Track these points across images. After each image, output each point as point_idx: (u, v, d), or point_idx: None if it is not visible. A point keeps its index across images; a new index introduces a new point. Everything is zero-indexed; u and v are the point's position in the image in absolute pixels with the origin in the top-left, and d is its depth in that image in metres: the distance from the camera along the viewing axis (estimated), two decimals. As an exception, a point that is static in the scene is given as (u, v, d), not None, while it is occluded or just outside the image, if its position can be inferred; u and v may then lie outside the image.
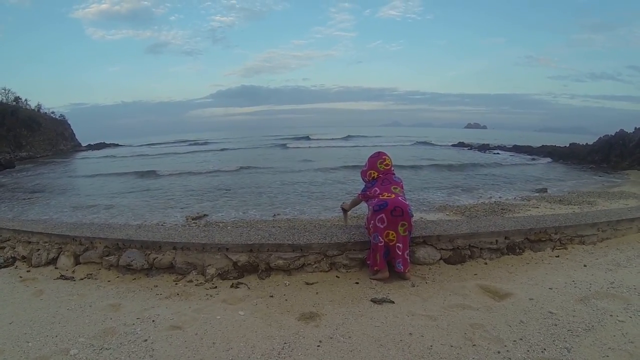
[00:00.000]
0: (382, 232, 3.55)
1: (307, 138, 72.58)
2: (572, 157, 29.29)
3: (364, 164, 4.16)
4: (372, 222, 3.61)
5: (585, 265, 3.63)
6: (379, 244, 3.54)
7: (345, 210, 4.67)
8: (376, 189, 3.83)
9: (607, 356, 2.12)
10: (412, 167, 25.77)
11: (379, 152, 4.12)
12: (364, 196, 3.97)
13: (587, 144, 30.43)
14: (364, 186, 4.05)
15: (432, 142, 57.73)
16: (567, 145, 32.55)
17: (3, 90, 56.48)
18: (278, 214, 11.87)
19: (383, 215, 3.57)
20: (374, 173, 3.98)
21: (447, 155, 35.52)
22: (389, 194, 3.72)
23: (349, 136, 76.62)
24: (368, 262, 3.69)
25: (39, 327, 2.85)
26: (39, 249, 4.51)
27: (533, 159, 31.23)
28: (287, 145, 53.23)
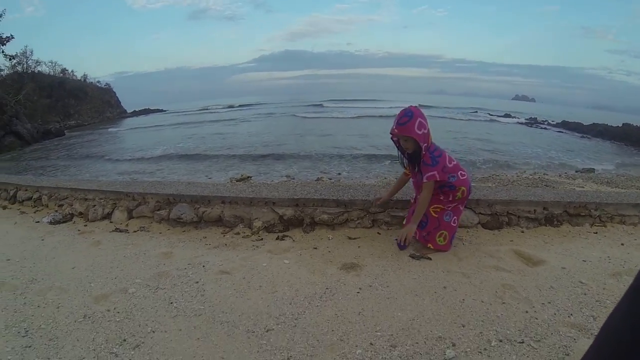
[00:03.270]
0: (459, 217, 3.35)
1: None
2: (624, 138, 28.08)
3: (410, 118, 2.98)
4: (458, 205, 3.28)
5: (622, 244, 3.61)
6: (452, 225, 3.29)
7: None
8: (452, 160, 3.17)
9: (633, 329, 2.20)
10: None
11: (419, 108, 3.09)
12: (444, 173, 3.07)
13: (642, 125, 29.10)
14: (431, 157, 3.05)
15: (504, 120, 49.07)
16: (620, 125, 31.13)
17: (50, 63, 58.65)
18: (321, 177, 12.07)
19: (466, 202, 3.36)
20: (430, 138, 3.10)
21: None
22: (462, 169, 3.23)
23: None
24: (428, 243, 3.29)
25: (99, 270, 3.15)
26: (94, 205, 4.82)
27: (582, 137, 30.07)
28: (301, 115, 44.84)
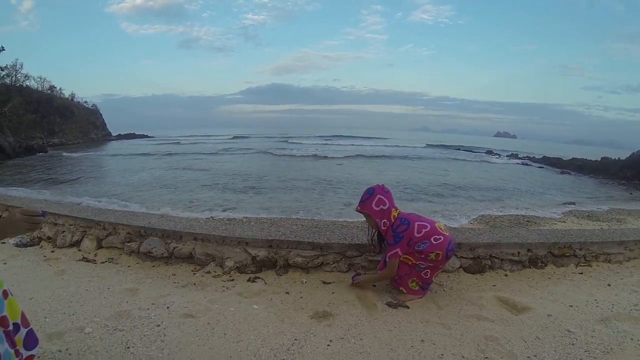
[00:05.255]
0: (435, 273, 3.20)
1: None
2: (603, 171, 28.55)
3: (370, 195, 3.16)
4: (436, 265, 3.12)
5: (609, 285, 3.53)
6: (424, 276, 3.15)
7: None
8: (423, 223, 3.08)
9: (623, 382, 2.05)
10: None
11: (384, 185, 3.24)
12: (409, 247, 3.04)
13: (619, 158, 29.62)
14: (394, 234, 3.05)
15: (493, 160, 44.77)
16: (599, 159, 31.73)
17: (39, 79, 58.53)
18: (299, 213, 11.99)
19: (448, 260, 3.19)
20: (395, 212, 3.14)
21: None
22: (441, 227, 3.13)
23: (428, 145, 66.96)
24: (400, 286, 3.23)
25: (58, 304, 2.94)
26: (64, 231, 4.65)
27: (563, 172, 30.48)
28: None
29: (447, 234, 3.09)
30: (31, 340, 1.75)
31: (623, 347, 2.40)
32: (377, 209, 3.11)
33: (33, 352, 1.76)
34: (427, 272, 3.13)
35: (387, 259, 3.12)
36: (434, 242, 3.00)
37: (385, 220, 3.10)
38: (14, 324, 1.67)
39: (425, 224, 3.08)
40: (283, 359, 2.30)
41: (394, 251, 3.05)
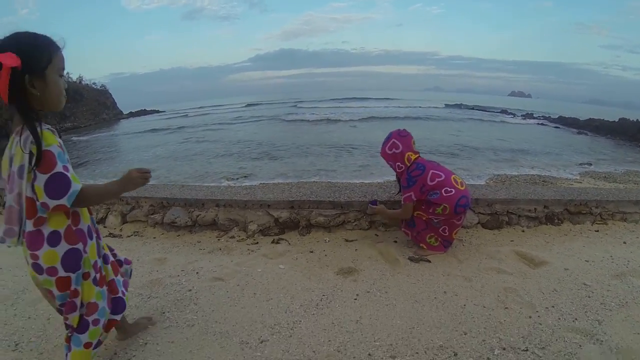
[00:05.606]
0: (454, 230, 3.23)
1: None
2: (620, 133, 28.00)
3: (387, 140, 3.25)
4: (448, 219, 3.13)
5: (624, 242, 3.57)
6: (443, 233, 3.23)
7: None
8: (438, 172, 3.09)
9: (638, 334, 2.13)
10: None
11: (403, 129, 3.29)
12: (422, 193, 3.10)
13: (637, 120, 28.96)
14: (408, 177, 3.12)
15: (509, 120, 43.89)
16: (616, 120, 31.08)
17: None
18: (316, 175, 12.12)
19: (463, 216, 3.19)
20: (413, 155, 3.18)
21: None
22: (457, 180, 3.13)
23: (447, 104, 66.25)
24: (420, 242, 3.33)
25: (91, 279, 3.05)
26: (88, 210, 4.72)
27: (579, 132, 29.99)
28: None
29: (462, 188, 3.07)
30: (117, 307, 1.89)
31: (638, 301, 2.48)
32: (389, 152, 3.20)
33: (117, 317, 1.89)
34: (445, 228, 3.18)
35: (402, 202, 3.20)
36: (444, 194, 3.02)
37: (399, 163, 3.18)
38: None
39: (441, 173, 3.09)
40: (313, 313, 2.41)
41: (408, 194, 3.11)
